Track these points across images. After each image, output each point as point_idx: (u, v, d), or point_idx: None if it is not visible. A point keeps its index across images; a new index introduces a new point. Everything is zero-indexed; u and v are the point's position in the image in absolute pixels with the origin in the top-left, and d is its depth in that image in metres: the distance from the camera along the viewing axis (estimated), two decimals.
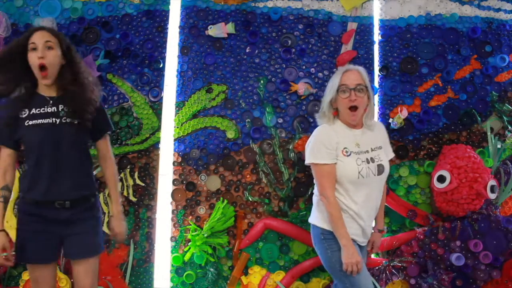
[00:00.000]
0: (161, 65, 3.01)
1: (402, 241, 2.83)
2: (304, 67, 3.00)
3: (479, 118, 2.98)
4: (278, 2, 3.04)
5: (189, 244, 2.84)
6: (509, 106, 2.97)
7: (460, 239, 2.68)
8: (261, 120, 2.97)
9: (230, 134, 2.95)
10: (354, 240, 2.07)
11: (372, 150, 2.12)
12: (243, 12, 3.03)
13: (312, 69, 3.00)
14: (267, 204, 2.91)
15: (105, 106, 2.99)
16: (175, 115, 2.97)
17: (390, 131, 2.95)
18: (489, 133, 2.94)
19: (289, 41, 3.02)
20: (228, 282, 2.87)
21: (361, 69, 2.17)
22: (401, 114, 2.88)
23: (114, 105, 2.98)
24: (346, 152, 2.06)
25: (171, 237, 2.91)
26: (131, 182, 2.87)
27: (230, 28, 2.98)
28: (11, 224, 2.81)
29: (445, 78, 3.00)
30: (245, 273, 2.87)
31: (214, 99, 2.99)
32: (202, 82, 2.99)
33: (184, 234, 2.90)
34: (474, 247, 2.63)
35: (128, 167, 2.91)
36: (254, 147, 2.95)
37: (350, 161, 2.05)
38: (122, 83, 2.99)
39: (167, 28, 3.05)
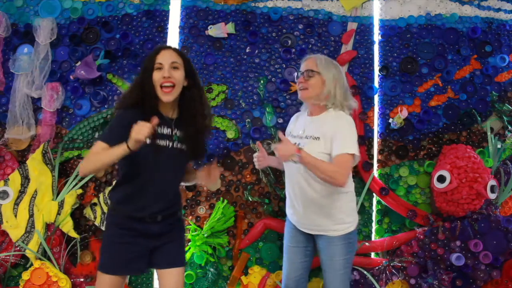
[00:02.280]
0: None
1: (402, 241, 2.83)
2: None
3: (479, 118, 2.98)
4: (278, 2, 3.04)
5: (189, 244, 2.84)
6: (509, 106, 2.97)
7: (460, 239, 2.68)
8: (261, 120, 2.97)
9: (230, 134, 2.96)
10: (294, 225, 2.27)
11: (306, 137, 2.13)
12: (243, 12, 3.03)
13: None
14: (267, 204, 2.91)
15: (105, 106, 3.00)
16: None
17: (390, 131, 2.96)
18: (489, 133, 2.94)
19: (289, 41, 3.02)
20: (228, 282, 2.87)
21: (319, 57, 2.21)
22: (401, 114, 2.88)
23: (114, 105, 2.98)
24: (288, 135, 2.26)
25: None
26: None
27: (230, 28, 2.98)
28: (11, 224, 2.82)
29: (445, 78, 3.00)
30: (245, 273, 2.87)
31: (214, 99, 2.99)
32: (202, 82, 2.98)
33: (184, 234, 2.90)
34: (474, 247, 2.63)
35: None
36: (254, 147, 2.95)
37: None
38: (122, 83, 3.00)
39: (167, 28, 3.06)
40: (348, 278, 2.19)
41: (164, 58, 1.88)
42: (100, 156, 1.76)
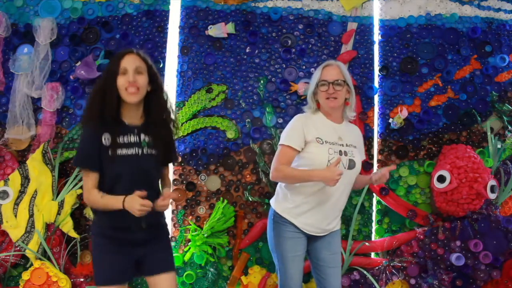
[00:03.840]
0: (161, 65, 3.01)
1: (402, 241, 2.83)
2: (304, 67, 3.00)
3: (479, 118, 2.98)
4: (278, 2, 3.04)
5: (189, 244, 2.84)
6: (509, 106, 2.97)
7: (460, 239, 2.68)
8: (261, 120, 2.97)
9: (230, 134, 2.95)
10: (305, 231, 2.16)
11: (347, 145, 2.17)
12: (243, 12, 3.03)
13: (312, 69, 2.99)
14: (267, 204, 2.91)
15: None
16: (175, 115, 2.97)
17: (390, 131, 2.96)
18: (489, 133, 2.94)
19: (289, 41, 3.02)
20: (228, 282, 2.87)
21: (340, 64, 2.25)
22: (401, 114, 2.88)
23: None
24: (319, 140, 2.13)
25: (171, 237, 2.90)
26: None
27: (230, 28, 2.98)
28: (11, 224, 2.82)
29: (445, 78, 3.00)
30: (245, 273, 2.87)
31: (214, 99, 2.99)
32: (202, 82, 2.99)
33: (184, 234, 2.90)
34: (474, 247, 2.63)
35: None
36: (254, 147, 2.95)
37: (322, 149, 2.11)
38: None
39: (167, 28, 3.06)
40: None
41: (129, 63, 1.87)
42: (99, 204, 1.84)
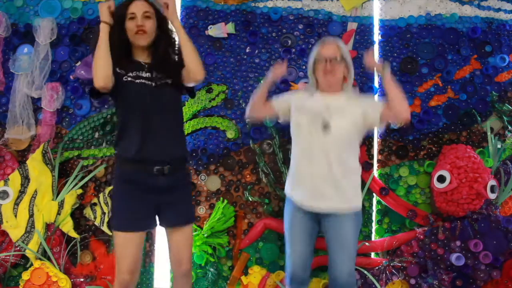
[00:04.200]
0: None
1: (402, 241, 2.82)
2: (304, 67, 3.00)
3: (479, 118, 2.98)
4: (278, 2, 3.04)
5: None
6: (509, 106, 2.97)
7: (460, 239, 2.68)
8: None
9: (230, 134, 2.96)
10: (302, 207, 2.17)
11: (333, 110, 2.15)
12: (243, 12, 3.03)
13: None
14: (267, 204, 2.91)
15: (105, 106, 3.00)
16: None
17: (390, 131, 2.96)
18: (489, 133, 2.94)
19: (289, 41, 3.02)
20: (228, 282, 2.87)
21: (338, 41, 2.28)
22: None
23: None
24: (303, 111, 2.19)
25: None
26: None
27: (230, 28, 2.98)
28: (11, 224, 2.82)
29: (445, 78, 3.00)
30: (245, 273, 2.87)
31: (214, 99, 2.99)
32: (202, 82, 2.99)
33: None
34: (474, 247, 2.63)
35: None
36: (254, 147, 2.95)
37: (304, 118, 2.18)
38: None
39: None
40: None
41: (137, 8, 1.96)
42: (96, 53, 1.89)
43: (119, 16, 1.96)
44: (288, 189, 2.28)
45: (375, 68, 2.25)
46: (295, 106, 2.25)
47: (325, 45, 2.22)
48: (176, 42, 2.06)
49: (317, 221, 2.21)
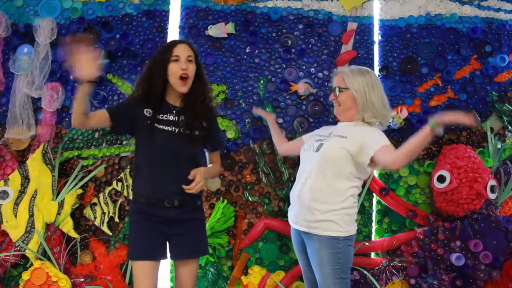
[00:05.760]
0: None
1: (402, 241, 2.82)
2: (304, 67, 3.00)
3: (479, 118, 2.98)
4: (278, 2, 3.04)
5: None
6: (509, 106, 2.97)
7: (460, 239, 2.68)
8: (261, 120, 2.97)
9: (230, 134, 2.95)
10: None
11: (333, 135, 2.13)
12: (243, 12, 3.03)
13: (312, 69, 3.00)
14: (267, 204, 2.91)
15: (105, 106, 3.00)
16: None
17: (390, 131, 2.95)
18: (489, 133, 2.94)
19: (289, 41, 3.02)
20: (228, 282, 2.87)
21: (345, 71, 2.16)
22: (401, 114, 2.88)
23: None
24: (307, 140, 2.26)
25: None
26: (131, 182, 2.87)
27: (230, 28, 2.98)
28: (11, 224, 2.82)
29: (445, 78, 3.00)
30: (245, 273, 2.87)
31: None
32: None
33: None
34: (474, 247, 2.63)
35: (128, 167, 2.91)
36: (254, 147, 2.95)
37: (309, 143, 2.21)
38: (122, 83, 3.00)
39: (167, 28, 3.06)
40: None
41: (181, 51, 2.01)
42: (74, 105, 1.94)
43: (163, 57, 2.01)
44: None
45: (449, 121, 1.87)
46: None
47: (334, 75, 2.23)
48: (210, 91, 2.14)
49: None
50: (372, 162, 2.01)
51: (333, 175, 2.02)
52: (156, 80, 2.00)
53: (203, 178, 1.99)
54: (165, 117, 2.02)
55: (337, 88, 2.15)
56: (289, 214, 2.21)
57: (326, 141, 2.10)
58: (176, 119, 2.03)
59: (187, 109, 2.05)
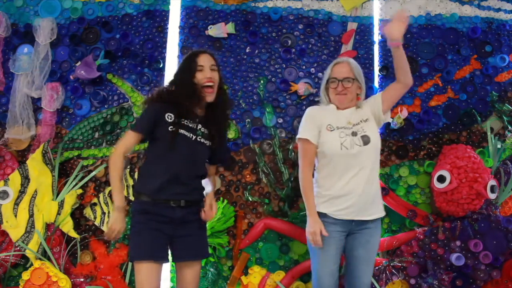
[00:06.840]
0: (161, 65, 3.01)
1: (402, 241, 2.82)
2: (304, 67, 3.00)
3: (479, 118, 2.98)
4: (278, 2, 3.04)
5: None
6: (509, 106, 2.97)
7: (460, 239, 2.68)
8: (261, 120, 2.97)
9: (230, 134, 2.95)
10: (339, 218, 2.14)
11: (356, 124, 2.19)
12: (243, 12, 3.03)
13: (312, 69, 3.00)
14: (267, 204, 2.91)
15: (105, 106, 3.00)
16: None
17: (390, 131, 2.96)
18: (489, 133, 2.94)
19: (289, 41, 3.02)
20: (228, 282, 2.87)
21: (351, 61, 2.26)
22: (401, 114, 2.88)
23: (114, 105, 2.99)
24: (330, 127, 2.18)
25: None
26: (131, 182, 2.87)
27: (230, 28, 2.98)
28: (11, 224, 2.82)
29: (445, 78, 3.00)
30: (245, 273, 2.87)
31: None
32: None
33: None
34: (474, 247, 2.63)
35: (128, 167, 2.91)
36: (254, 147, 2.95)
37: (333, 134, 2.17)
38: (122, 83, 3.00)
39: (167, 28, 3.06)
40: None
41: (205, 61, 2.08)
42: (111, 172, 2.02)
43: (188, 67, 2.07)
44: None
45: (395, 36, 2.10)
46: (322, 127, 2.22)
47: (337, 66, 2.25)
48: (228, 101, 2.21)
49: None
50: (386, 107, 2.26)
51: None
52: (184, 89, 2.04)
53: (214, 201, 2.15)
54: (187, 122, 2.05)
55: (349, 78, 2.20)
56: (336, 208, 2.14)
57: (363, 132, 2.16)
58: (195, 127, 2.07)
59: (209, 118, 2.11)
